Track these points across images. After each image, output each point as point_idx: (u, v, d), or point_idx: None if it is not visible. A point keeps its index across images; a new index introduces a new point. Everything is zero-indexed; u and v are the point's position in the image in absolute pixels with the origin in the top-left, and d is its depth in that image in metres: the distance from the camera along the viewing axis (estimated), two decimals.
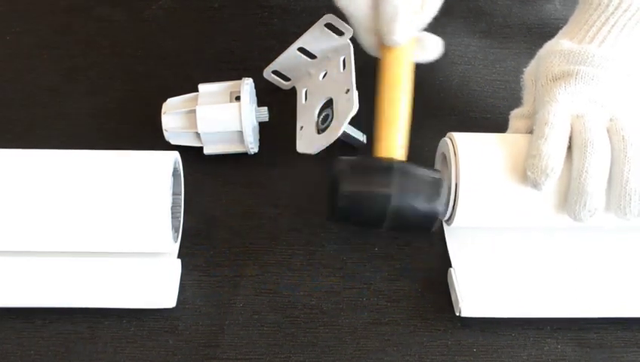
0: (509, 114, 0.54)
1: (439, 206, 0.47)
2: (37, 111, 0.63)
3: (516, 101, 0.55)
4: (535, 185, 0.46)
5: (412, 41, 0.53)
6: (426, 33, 0.54)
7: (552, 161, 0.45)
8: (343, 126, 0.54)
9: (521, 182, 0.47)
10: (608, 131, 0.47)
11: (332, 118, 0.57)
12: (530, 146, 0.46)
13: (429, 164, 0.56)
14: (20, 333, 0.48)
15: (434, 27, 0.71)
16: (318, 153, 0.56)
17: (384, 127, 0.50)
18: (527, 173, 0.46)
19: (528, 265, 0.51)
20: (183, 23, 0.72)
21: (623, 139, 0.46)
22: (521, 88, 0.54)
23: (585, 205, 0.45)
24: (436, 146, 0.54)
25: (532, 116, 0.51)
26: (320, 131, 0.57)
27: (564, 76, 0.49)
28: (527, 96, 0.53)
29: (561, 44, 0.51)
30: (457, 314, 0.48)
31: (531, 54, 0.55)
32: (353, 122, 0.55)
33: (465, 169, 0.48)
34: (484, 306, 0.48)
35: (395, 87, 0.51)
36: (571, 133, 0.47)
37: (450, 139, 0.50)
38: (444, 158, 0.52)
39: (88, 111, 0.63)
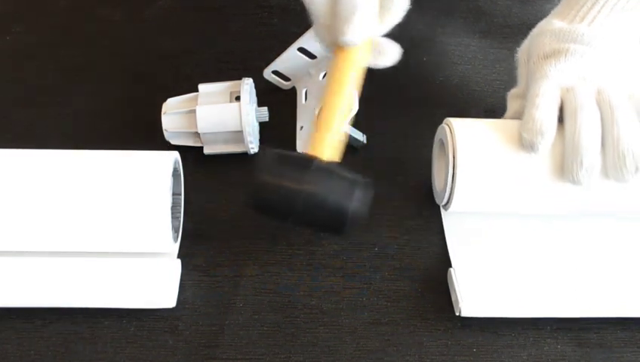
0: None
1: (349, 206, 0.45)
2: (37, 111, 0.63)
3: None
4: (531, 145, 0.47)
5: (367, 45, 0.51)
6: (384, 39, 0.52)
7: (545, 123, 0.47)
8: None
9: (517, 158, 0.48)
10: (596, 101, 0.48)
11: None
12: (524, 116, 0.48)
13: (429, 163, 0.57)
14: (20, 333, 0.48)
15: (434, 27, 0.71)
16: None
17: (321, 126, 0.49)
18: (523, 136, 0.47)
19: (528, 266, 0.51)
20: (183, 23, 0.72)
21: (610, 105, 0.47)
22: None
23: (582, 163, 0.46)
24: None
25: (525, 95, 0.52)
26: None
27: (555, 54, 0.51)
28: (520, 73, 0.55)
29: (552, 23, 0.53)
30: (457, 314, 0.48)
31: None
32: (354, 122, 0.55)
33: (462, 149, 0.49)
34: (484, 306, 0.48)
35: (338, 89, 0.50)
36: (562, 104, 0.49)
37: (448, 125, 0.51)
38: (442, 144, 0.52)
39: (88, 111, 0.63)
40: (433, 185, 0.56)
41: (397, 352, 0.48)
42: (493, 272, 0.50)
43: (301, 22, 0.62)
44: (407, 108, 0.63)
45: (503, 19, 0.67)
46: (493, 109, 0.63)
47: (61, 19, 0.71)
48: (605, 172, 0.47)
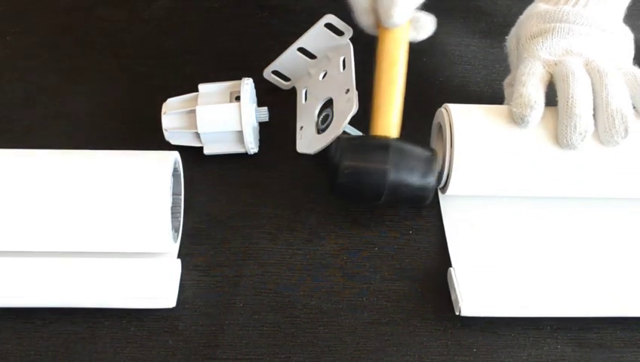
0: None
1: (432, 180, 0.50)
2: (37, 111, 0.63)
3: None
4: (522, 118, 0.48)
5: (408, 22, 0.54)
6: (421, 13, 0.55)
7: (532, 96, 0.48)
8: (342, 126, 0.54)
9: (512, 138, 0.49)
10: (586, 70, 0.50)
11: (332, 118, 0.57)
12: (514, 94, 0.50)
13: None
14: (20, 333, 0.48)
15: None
16: (318, 153, 0.57)
17: (381, 107, 0.52)
18: (513, 110, 0.49)
19: (528, 265, 0.51)
20: (183, 23, 0.72)
21: (599, 71, 0.49)
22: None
23: (575, 127, 0.47)
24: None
25: None
26: (320, 131, 0.57)
27: (542, 33, 0.52)
28: (512, 60, 0.57)
29: (538, 6, 0.55)
30: (457, 313, 0.48)
31: None
32: (353, 122, 0.55)
33: (459, 131, 0.50)
34: (484, 306, 0.48)
35: (393, 68, 0.53)
36: (553, 76, 0.50)
37: (445, 109, 0.52)
38: (440, 128, 0.53)
39: (88, 111, 0.63)
40: None
41: (397, 352, 0.48)
42: (493, 272, 0.50)
43: (301, 22, 0.62)
44: (406, 108, 0.63)
45: (503, 19, 0.67)
46: None
47: (61, 19, 0.71)
48: (598, 136, 0.48)
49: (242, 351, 0.47)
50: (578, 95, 0.48)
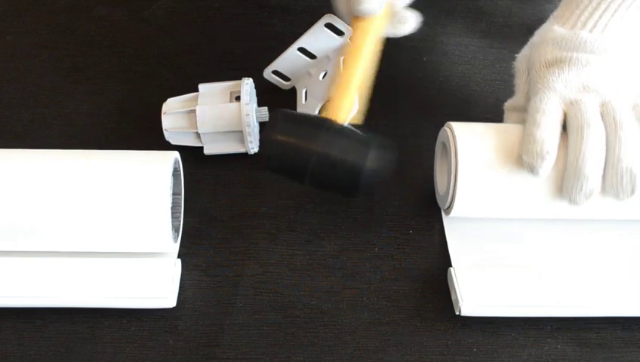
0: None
1: (363, 167, 0.46)
2: (37, 111, 0.63)
3: None
4: (532, 169, 0.46)
5: (384, 15, 0.52)
6: (403, 8, 0.53)
7: (546, 145, 0.46)
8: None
9: (519, 168, 0.48)
10: (601, 115, 0.47)
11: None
12: (524, 134, 0.47)
13: (429, 163, 0.56)
14: (20, 333, 0.48)
15: (434, 27, 0.71)
16: None
17: (335, 90, 0.50)
18: (523, 158, 0.47)
19: (528, 265, 0.51)
20: (183, 23, 0.72)
21: (615, 120, 0.46)
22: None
23: (582, 188, 0.46)
24: (435, 145, 0.55)
25: (524, 108, 0.52)
26: None
27: (557, 62, 0.50)
28: (519, 83, 0.54)
29: (553, 30, 0.52)
30: (457, 313, 0.48)
31: None
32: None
33: (463, 157, 0.48)
34: (484, 306, 0.48)
35: (355, 57, 0.51)
36: (566, 118, 0.48)
37: (449, 129, 0.51)
38: (444, 147, 0.52)
39: (88, 111, 0.63)
40: (435, 187, 0.55)
41: (397, 352, 0.48)
42: (493, 272, 0.50)
43: (301, 22, 0.62)
44: (407, 108, 0.63)
45: (503, 19, 0.67)
46: (493, 109, 0.63)
47: (61, 19, 0.71)
48: (603, 187, 0.47)
49: (242, 351, 0.47)
50: (589, 153, 0.45)
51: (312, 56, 0.61)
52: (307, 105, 0.61)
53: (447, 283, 0.51)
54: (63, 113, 0.62)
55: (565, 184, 0.47)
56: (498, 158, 0.48)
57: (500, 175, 0.48)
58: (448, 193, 0.50)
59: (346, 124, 0.49)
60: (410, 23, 0.53)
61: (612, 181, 0.46)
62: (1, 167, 0.47)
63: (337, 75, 0.51)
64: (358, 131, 0.48)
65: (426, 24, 0.70)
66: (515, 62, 0.55)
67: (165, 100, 0.57)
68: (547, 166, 0.46)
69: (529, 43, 0.55)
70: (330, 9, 0.58)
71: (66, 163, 0.48)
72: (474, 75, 0.67)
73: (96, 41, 0.69)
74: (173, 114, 0.56)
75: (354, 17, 0.52)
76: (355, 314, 0.50)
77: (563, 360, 0.48)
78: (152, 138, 0.58)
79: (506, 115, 0.54)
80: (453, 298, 0.49)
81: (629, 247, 0.53)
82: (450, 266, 0.51)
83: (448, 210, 0.51)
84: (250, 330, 0.49)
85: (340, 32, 0.59)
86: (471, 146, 0.49)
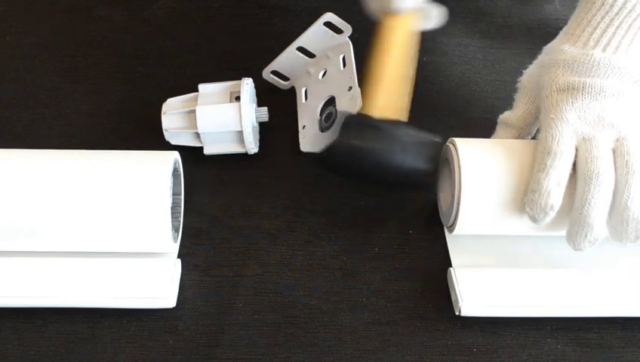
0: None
1: (426, 166, 0.50)
2: (37, 111, 0.63)
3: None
4: (533, 220, 0.46)
5: (414, 11, 0.54)
6: (430, 4, 0.54)
7: (551, 198, 0.45)
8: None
9: (523, 189, 0.47)
10: (614, 152, 0.46)
11: (335, 115, 0.57)
12: (532, 179, 0.46)
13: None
14: (20, 333, 0.48)
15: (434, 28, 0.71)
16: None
17: (370, 87, 0.52)
18: (526, 208, 0.46)
19: (528, 265, 0.51)
20: (183, 23, 0.72)
21: (627, 165, 0.45)
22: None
23: (586, 236, 0.45)
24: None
25: (519, 127, 0.52)
26: (324, 130, 0.58)
27: (570, 89, 0.48)
28: (520, 101, 0.53)
29: (564, 51, 0.50)
30: (457, 313, 0.48)
31: (531, 54, 0.55)
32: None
33: (466, 180, 0.48)
34: (484, 306, 0.48)
35: (388, 51, 0.52)
36: (577, 157, 0.46)
37: (453, 145, 0.50)
38: (448, 164, 0.52)
39: (88, 111, 0.63)
40: (438, 203, 0.55)
41: (397, 352, 0.48)
42: (493, 272, 0.50)
43: (301, 22, 0.62)
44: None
45: (503, 19, 0.67)
46: (493, 110, 0.63)
47: (61, 19, 0.71)
48: (607, 229, 0.46)
49: (242, 351, 0.47)
50: (595, 203, 0.44)
51: (311, 55, 0.61)
52: (308, 104, 0.61)
53: (447, 283, 0.51)
54: (63, 113, 0.62)
55: (570, 230, 0.46)
56: (502, 177, 0.47)
57: (505, 195, 0.47)
58: (451, 212, 0.50)
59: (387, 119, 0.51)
60: (435, 17, 0.54)
61: (617, 226, 0.45)
62: (1, 167, 0.47)
63: (372, 72, 0.52)
64: (413, 129, 0.50)
65: None
66: (520, 79, 0.54)
67: (165, 100, 0.57)
68: (549, 220, 0.45)
69: (537, 62, 0.53)
70: (329, 8, 0.58)
71: (66, 163, 0.48)
72: (474, 75, 0.67)
73: (96, 41, 0.69)
74: (173, 114, 0.56)
75: (386, 14, 0.52)
76: (354, 315, 0.50)
77: (563, 360, 0.48)
78: (152, 138, 0.58)
79: (498, 129, 0.54)
80: (453, 298, 0.49)
81: (629, 247, 0.53)
82: (450, 266, 0.51)
83: (451, 228, 0.51)
84: (250, 330, 0.49)
85: (339, 31, 0.59)
86: (475, 165, 0.48)
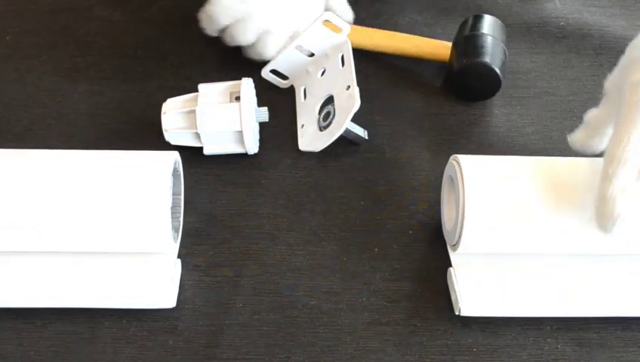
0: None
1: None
2: (37, 111, 0.63)
3: None
4: (603, 230, 0.44)
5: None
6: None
7: (617, 206, 0.43)
8: (346, 122, 0.54)
9: (528, 205, 0.46)
10: None
11: (334, 114, 0.57)
12: (598, 187, 0.44)
13: (429, 163, 0.56)
14: (20, 333, 0.48)
15: (434, 27, 0.71)
16: (321, 150, 0.57)
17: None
18: (596, 218, 0.44)
19: (528, 265, 0.51)
20: (183, 22, 0.72)
21: None
22: (516, 89, 0.54)
23: (614, 224, 0.43)
24: (435, 145, 0.54)
25: (595, 127, 0.50)
26: (322, 128, 0.58)
27: None
28: (605, 103, 0.50)
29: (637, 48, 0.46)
30: (457, 313, 0.48)
31: (532, 53, 0.55)
32: (353, 118, 0.55)
33: (470, 201, 0.47)
34: (484, 306, 0.48)
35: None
36: None
37: (456, 162, 0.49)
38: (452, 181, 0.51)
39: (88, 111, 0.63)
40: (442, 221, 0.54)
41: (397, 352, 0.48)
42: (493, 272, 0.50)
43: None
44: (407, 108, 0.63)
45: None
46: (493, 109, 0.63)
47: (61, 20, 0.71)
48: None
49: (242, 351, 0.47)
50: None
51: (310, 54, 0.61)
52: (307, 103, 0.61)
53: (447, 283, 0.51)
54: (63, 113, 0.62)
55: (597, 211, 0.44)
56: (508, 196, 0.47)
57: (510, 213, 0.47)
58: (455, 232, 0.49)
59: None
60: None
61: None
62: (1, 167, 0.47)
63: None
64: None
65: (425, 24, 0.71)
66: (605, 83, 0.50)
67: (165, 100, 0.57)
68: (619, 226, 0.43)
69: (618, 65, 0.49)
70: (329, 8, 0.58)
71: (66, 163, 0.48)
72: None
73: (96, 41, 0.69)
74: (173, 114, 0.56)
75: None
76: (354, 315, 0.50)
77: (563, 360, 0.48)
78: (152, 138, 0.58)
79: (581, 125, 0.52)
80: (453, 298, 0.49)
81: (629, 247, 0.53)
82: (450, 266, 0.51)
83: (455, 247, 0.50)
84: (249, 330, 0.49)
85: (337, 30, 0.59)
86: (479, 184, 0.47)
